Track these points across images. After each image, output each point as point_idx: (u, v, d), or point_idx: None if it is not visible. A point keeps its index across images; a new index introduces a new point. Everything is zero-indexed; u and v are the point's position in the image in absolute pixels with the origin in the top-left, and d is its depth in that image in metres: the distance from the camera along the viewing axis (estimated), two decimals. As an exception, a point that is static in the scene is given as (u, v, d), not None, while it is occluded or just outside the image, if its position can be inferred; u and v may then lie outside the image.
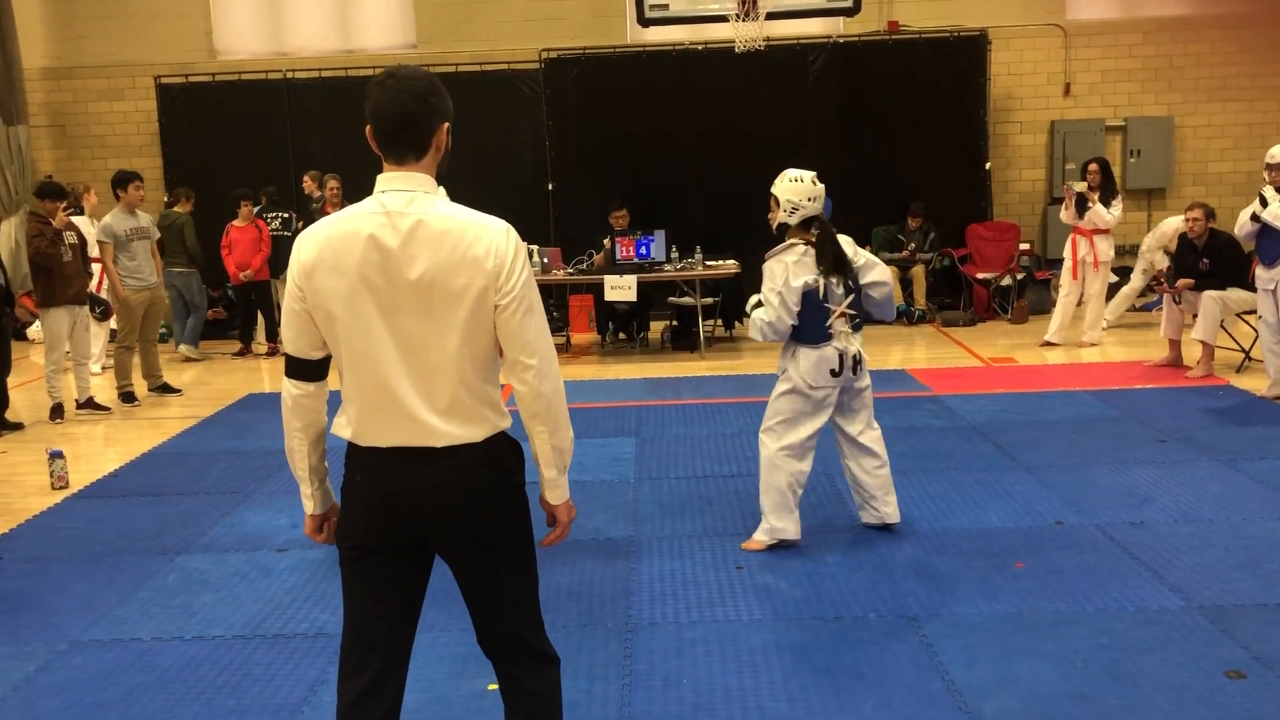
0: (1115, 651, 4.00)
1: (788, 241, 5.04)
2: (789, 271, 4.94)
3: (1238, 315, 8.77)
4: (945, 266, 12.40)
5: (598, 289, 10.63)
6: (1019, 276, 12.19)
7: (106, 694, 3.96)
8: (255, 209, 11.63)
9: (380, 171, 2.55)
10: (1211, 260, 8.67)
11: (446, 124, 2.57)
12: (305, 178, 12.07)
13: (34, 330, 11.77)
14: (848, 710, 3.65)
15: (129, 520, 5.94)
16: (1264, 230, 7.64)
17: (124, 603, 4.80)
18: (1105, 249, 10.08)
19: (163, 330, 11.46)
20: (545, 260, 10.67)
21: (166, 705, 3.87)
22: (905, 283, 12.06)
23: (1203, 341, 8.48)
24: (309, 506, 2.75)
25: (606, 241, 10.70)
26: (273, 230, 11.50)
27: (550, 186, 12.95)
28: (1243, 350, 8.81)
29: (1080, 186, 10.09)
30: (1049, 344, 10.21)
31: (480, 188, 12.66)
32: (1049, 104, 13.37)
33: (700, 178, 12.49)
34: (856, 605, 4.49)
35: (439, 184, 2.56)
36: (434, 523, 2.55)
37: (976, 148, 12.73)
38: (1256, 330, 8.21)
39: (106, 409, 8.70)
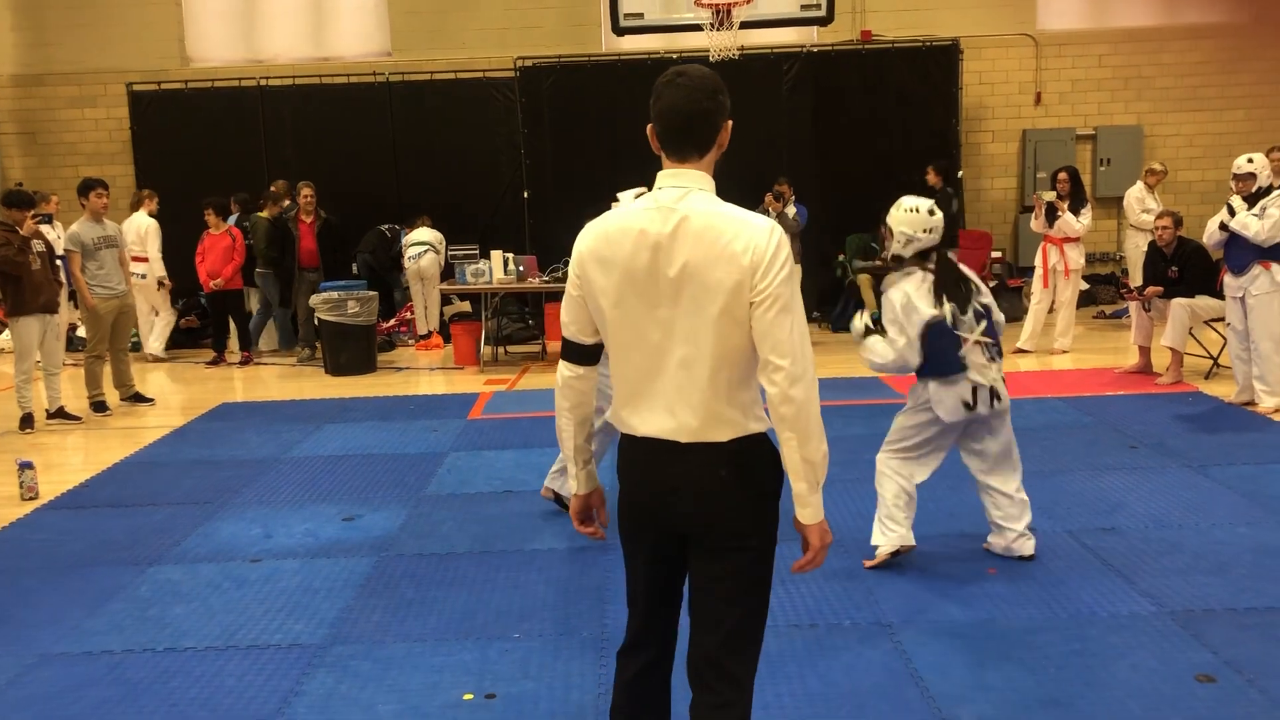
0: (1087, 657, 4.03)
1: (905, 269, 4.86)
2: (910, 300, 4.74)
3: (1206, 322, 8.86)
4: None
5: (573, 297, 10.61)
6: (991, 284, 12.27)
7: (75, 708, 3.92)
8: (231, 218, 11.57)
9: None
10: (1180, 268, 8.77)
11: (730, 122, 2.60)
12: (272, 187, 12.01)
13: (3, 339, 11.66)
14: (822, 718, 3.66)
15: (100, 531, 5.89)
16: (1232, 238, 7.72)
17: (94, 615, 4.75)
18: (1075, 257, 10.18)
19: (134, 339, 11.37)
20: (521, 268, 10.66)
21: (137, 719, 3.83)
22: (879, 292, 12.10)
23: (1172, 348, 8.57)
24: (573, 486, 2.82)
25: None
26: (248, 239, 11.44)
27: (526, 194, 12.95)
28: (1211, 357, 8.91)
29: (1049, 196, 10.19)
30: (1021, 351, 10.29)
31: (457, 194, 12.74)
32: (1020, 113, 13.51)
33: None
34: (831, 613, 4.51)
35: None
36: (680, 515, 2.58)
37: (949, 156, 12.81)
38: (1225, 337, 8.30)
39: (78, 419, 8.62)
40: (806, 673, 3.98)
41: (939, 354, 4.76)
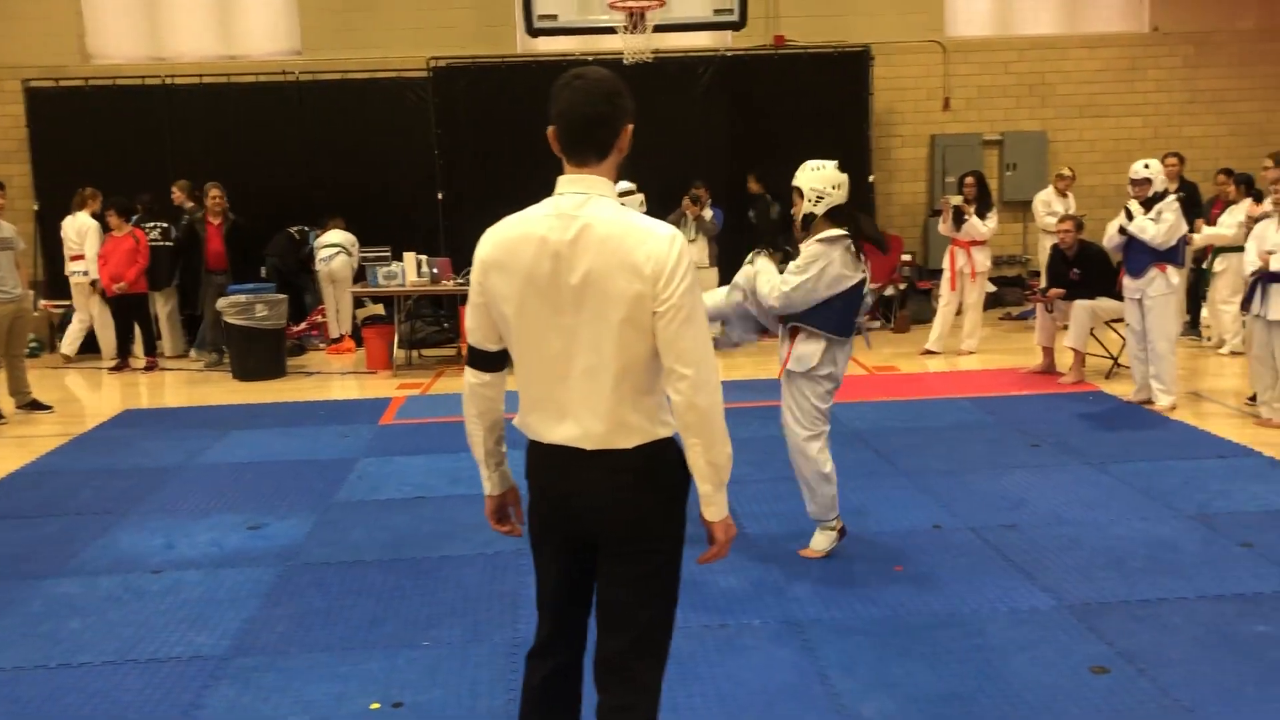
0: (988, 651, 4.12)
1: (832, 231, 4.83)
2: (835, 263, 4.79)
3: (1107, 323, 9.13)
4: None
5: (488, 300, 10.55)
6: (901, 286, 12.50)
7: (-36, 727, 3.78)
8: (133, 219, 11.27)
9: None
10: (1082, 270, 9.02)
11: (630, 125, 2.58)
12: (174, 188, 11.74)
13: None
14: (732, 717, 3.69)
15: (-8, 544, 5.69)
16: (1130, 242, 7.97)
17: (-15, 631, 4.59)
18: (982, 260, 10.42)
19: (33, 344, 11.03)
20: (435, 271, 10.56)
21: (29, 737, 3.71)
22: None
23: (1074, 349, 8.82)
24: (487, 488, 2.84)
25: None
26: (151, 241, 11.16)
27: (440, 196, 12.83)
28: (1112, 357, 9.18)
29: (956, 200, 10.41)
30: (929, 352, 10.49)
31: (369, 196, 12.56)
32: (929, 118, 13.77)
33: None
34: (742, 612, 4.54)
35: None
36: (587, 521, 2.60)
37: (860, 160, 13.00)
38: (1124, 338, 8.56)
39: (-30, 427, 8.33)
40: (717, 673, 4.00)
41: (847, 314, 4.89)
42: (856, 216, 4.97)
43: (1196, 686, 3.78)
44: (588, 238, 2.47)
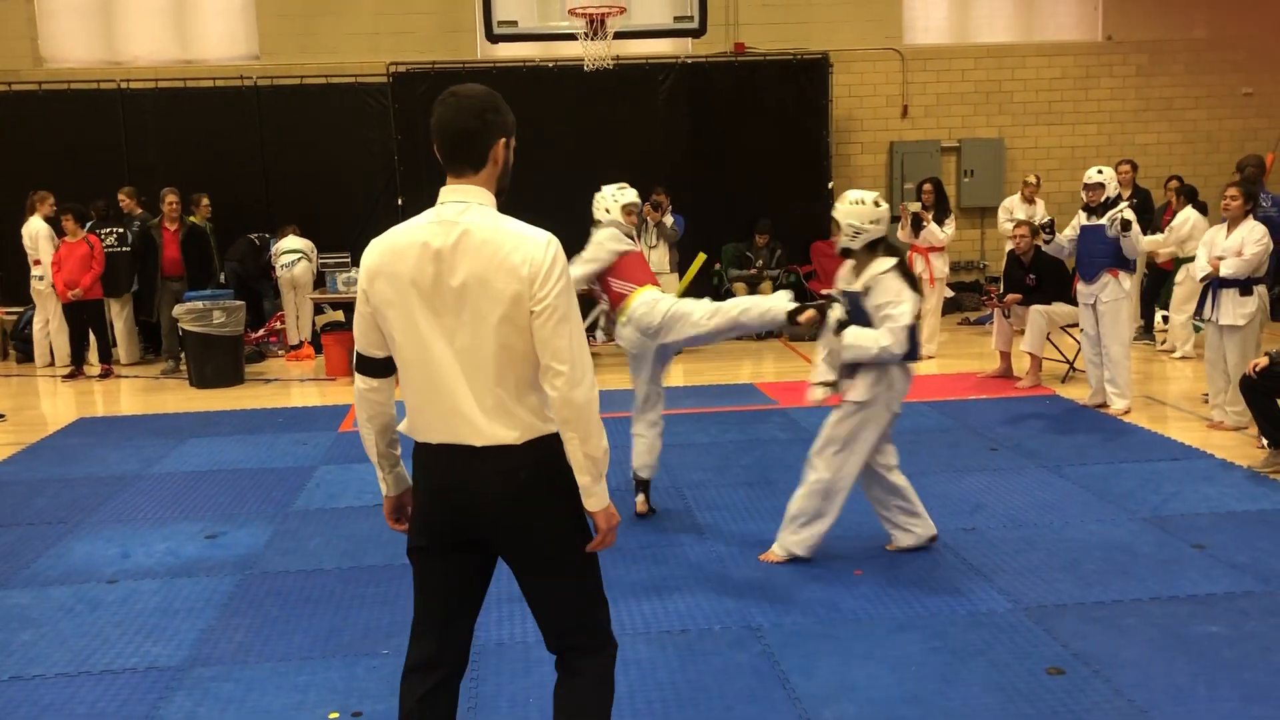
0: (947, 654, 4.16)
1: (886, 260, 4.89)
2: (905, 288, 4.82)
3: (1063, 328, 9.25)
4: (791, 283, 12.71)
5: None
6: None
7: (-88, 743, 3.71)
8: (87, 225, 11.12)
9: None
10: (1038, 276, 9.14)
11: (504, 139, 2.70)
12: (121, 194, 11.59)
13: None
14: (692, 723, 3.70)
15: (-58, 555, 5.58)
16: (1083, 248, 8.07)
17: (-66, 644, 4.50)
18: (940, 266, 10.51)
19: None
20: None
21: (-21, 751, 3.65)
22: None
23: (1031, 353, 8.93)
24: (384, 489, 2.93)
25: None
26: (108, 247, 11.02)
27: (400, 201, 12.77)
28: (1067, 361, 9.30)
29: (914, 207, 10.51)
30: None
31: (329, 201, 12.48)
32: (888, 125, 13.89)
33: (553, 194, 12.46)
34: (702, 618, 4.55)
35: (500, 196, 2.73)
36: (481, 519, 2.68)
37: (819, 167, 13.10)
38: (1079, 342, 8.67)
39: (-81, 437, 8.17)
40: (677, 678, 4.01)
41: (912, 340, 4.89)
42: (897, 249, 5.04)
43: (1150, 687, 3.84)
44: (467, 242, 2.58)
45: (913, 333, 4.87)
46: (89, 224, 11.13)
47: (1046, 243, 8.30)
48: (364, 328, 2.74)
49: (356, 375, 2.82)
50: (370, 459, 2.90)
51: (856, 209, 4.91)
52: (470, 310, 2.58)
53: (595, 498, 2.68)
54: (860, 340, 4.84)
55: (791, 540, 5.11)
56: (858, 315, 4.92)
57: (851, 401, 4.96)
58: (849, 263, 5.06)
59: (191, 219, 11.28)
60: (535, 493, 2.66)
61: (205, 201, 11.56)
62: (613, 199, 5.91)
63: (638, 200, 6.02)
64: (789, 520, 5.12)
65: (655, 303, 5.43)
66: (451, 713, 2.86)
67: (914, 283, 4.94)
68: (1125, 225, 7.67)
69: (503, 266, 2.56)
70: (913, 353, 4.93)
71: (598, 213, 5.92)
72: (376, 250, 2.67)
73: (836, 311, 4.96)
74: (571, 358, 2.58)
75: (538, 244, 2.59)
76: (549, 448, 2.67)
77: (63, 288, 10.58)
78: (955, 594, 4.73)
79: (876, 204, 4.94)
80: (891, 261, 4.91)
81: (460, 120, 2.63)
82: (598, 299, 5.88)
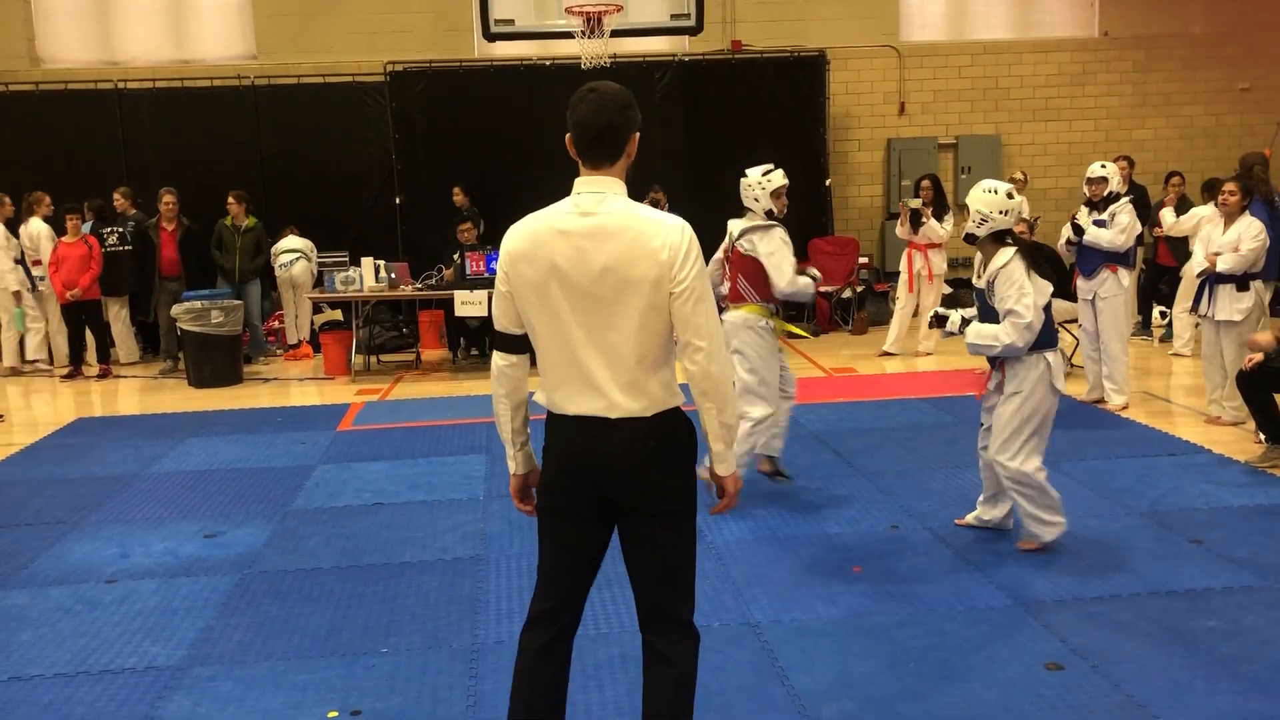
0: (946, 651, 4.16)
1: (1006, 249, 4.88)
2: (1030, 274, 4.82)
3: (1060, 324, 9.23)
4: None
5: (448, 304, 10.53)
6: (858, 289, 12.60)
7: (-89, 743, 3.71)
8: (86, 225, 11.12)
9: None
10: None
11: (636, 133, 2.86)
12: (116, 194, 11.58)
13: None
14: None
15: (-59, 556, 5.58)
16: (1082, 244, 8.07)
17: (-67, 644, 4.50)
18: (939, 262, 10.52)
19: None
20: (393, 275, 10.50)
21: (-21, 752, 3.65)
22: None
23: (1029, 349, 8.91)
24: (512, 467, 3.08)
25: (456, 256, 10.61)
26: (109, 247, 11.01)
27: (398, 200, 12.76)
28: (1065, 357, 9.29)
29: (915, 203, 10.51)
30: (887, 354, 10.58)
31: (325, 201, 12.47)
32: (885, 122, 13.89)
33: (550, 192, 12.41)
34: (700, 614, 4.47)
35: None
36: (611, 481, 2.85)
37: (817, 164, 13.10)
38: (1077, 338, 8.67)
39: (-83, 437, 8.17)
40: (676, 676, 4.00)
41: (1049, 325, 4.88)
42: (1027, 243, 5.05)
43: (1148, 682, 3.84)
44: (606, 229, 2.76)
45: (1047, 319, 4.86)
46: (87, 224, 11.13)
47: (1074, 244, 8.17)
48: (503, 307, 2.92)
49: (495, 353, 2.98)
50: (501, 436, 3.04)
51: (987, 197, 4.91)
52: (611, 293, 2.75)
53: (726, 463, 2.93)
54: (981, 339, 4.90)
55: (1043, 530, 5.11)
56: (985, 311, 4.97)
57: (1012, 393, 4.95)
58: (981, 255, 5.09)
59: (248, 221, 11.31)
60: (659, 460, 2.85)
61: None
62: (760, 186, 5.76)
63: (786, 182, 5.86)
64: (1028, 519, 5.12)
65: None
66: (565, 664, 3.06)
67: (1041, 269, 4.91)
68: (1069, 243, 8.06)
69: (643, 251, 2.73)
70: (1048, 339, 4.92)
71: (746, 200, 5.79)
72: (517, 234, 2.86)
73: (954, 321, 5.12)
74: (709, 334, 2.78)
75: (675, 229, 2.76)
76: (673, 419, 2.87)
77: (61, 288, 10.58)
78: (953, 590, 4.73)
79: (1010, 195, 4.93)
80: (1010, 252, 4.89)
81: (604, 115, 2.79)
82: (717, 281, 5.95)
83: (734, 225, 5.95)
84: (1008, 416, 4.98)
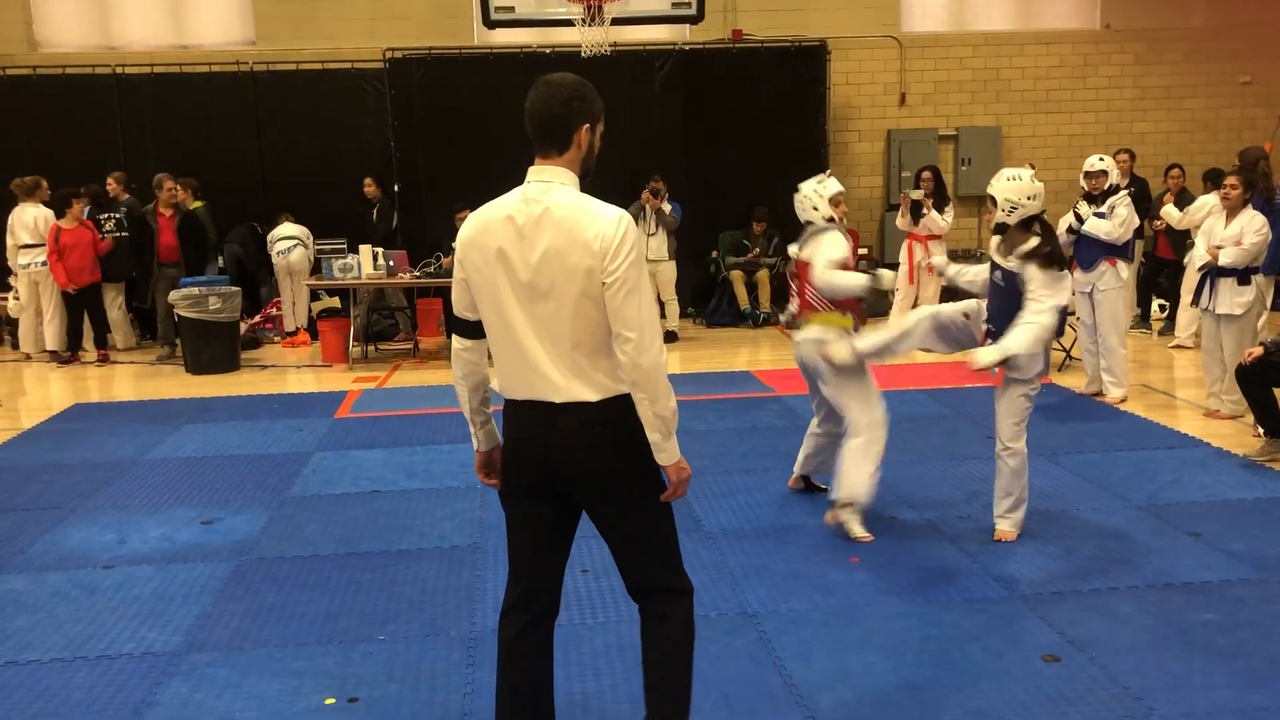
0: (943, 641, 4.16)
1: (1033, 240, 4.87)
2: (1051, 273, 4.85)
3: (1059, 316, 9.22)
4: (790, 271, 12.70)
5: (446, 292, 10.49)
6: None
7: (-92, 727, 3.71)
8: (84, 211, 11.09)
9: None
10: (1035, 264, 9.11)
11: (587, 125, 2.91)
12: (110, 179, 11.53)
13: None
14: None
15: (-63, 541, 5.57)
16: (1080, 236, 8.07)
17: (-71, 629, 4.49)
18: (939, 254, 10.49)
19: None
20: (391, 263, 10.48)
21: (-25, 736, 3.65)
22: (751, 286, 12.31)
23: (1027, 342, 8.90)
24: (475, 444, 3.17)
25: (454, 244, 10.58)
26: (106, 233, 10.98)
27: (396, 188, 12.73)
28: (1064, 350, 9.29)
29: (916, 194, 10.48)
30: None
31: (325, 188, 12.43)
32: (885, 113, 13.86)
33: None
34: (698, 604, 4.48)
35: (584, 178, 2.94)
36: (559, 471, 2.91)
37: (817, 155, 13.06)
38: (1076, 331, 8.67)
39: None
40: (673, 665, 4.00)
41: (1060, 319, 4.94)
42: (1048, 225, 5.02)
43: (1145, 674, 3.85)
44: (547, 219, 2.80)
45: (1061, 313, 4.92)
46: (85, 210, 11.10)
47: (1074, 233, 8.15)
48: (459, 293, 2.99)
49: (454, 336, 3.08)
50: (464, 415, 3.12)
51: (1014, 185, 4.91)
52: (548, 281, 2.79)
53: (665, 453, 2.90)
54: (1030, 349, 4.85)
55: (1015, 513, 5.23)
56: (1010, 293, 4.93)
57: (1015, 379, 5.05)
58: (996, 237, 5.11)
59: (192, 204, 11.25)
60: (609, 446, 2.88)
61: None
62: (817, 194, 5.51)
63: (841, 187, 5.64)
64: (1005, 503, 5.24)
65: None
66: (545, 651, 3.10)
67: (1062, 262, 4.93)
68: (1070, 230, 8.03)
69: (578, 241, 2.77)
70: (1060, 328, 5.01)
71: (804, 213, 5.54)
72: (471, 223, 2.93)
73: (1003, 350, 4.85)
74: (640, 325, 2.78)
75: (609, 220, 2.79)
76: (623, 406, 2.87)
77: (66, 277, 10.53)
78: (951, 581, 4.73)
79: (1034, 180, 4.94)
80: (1036, 241, 4.88)
81: (548, 106, 2.87)
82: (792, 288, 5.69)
83: (794, 247, 5.70)
84: (1012, 404, 5.10)
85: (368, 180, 11.86)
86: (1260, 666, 3.89)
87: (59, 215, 10.72)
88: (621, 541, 3.03)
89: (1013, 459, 5.16)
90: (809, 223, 5.57)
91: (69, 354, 10.81)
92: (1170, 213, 10.19)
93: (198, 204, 11.45)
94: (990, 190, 5.02)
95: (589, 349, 2.84)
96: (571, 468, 2.90)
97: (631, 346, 2.78)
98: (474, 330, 3.01)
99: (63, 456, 7.18)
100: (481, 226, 2.90)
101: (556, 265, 2.78)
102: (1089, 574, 4.78)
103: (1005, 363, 4.90)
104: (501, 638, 3.07)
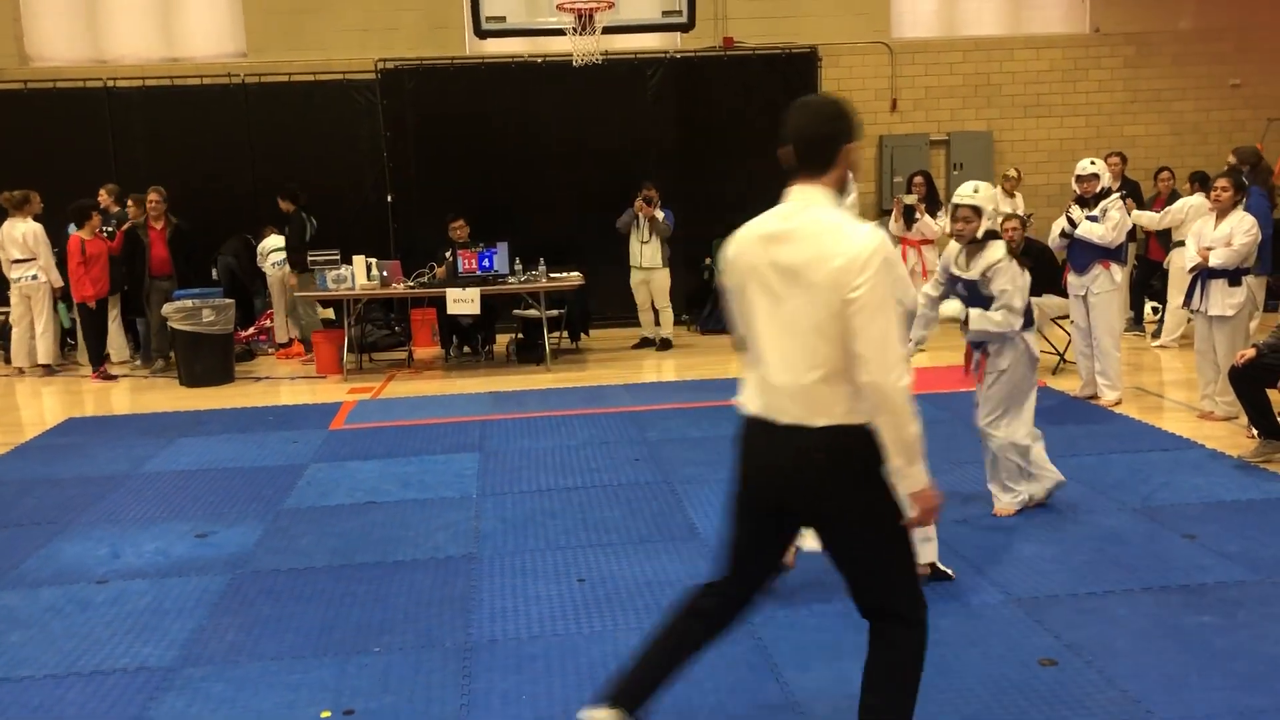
0: (940, 646, 4.14)
1: (998, 243, 5.34)
2: (1018, 275, 5.31)
3: (1053, 320, 9.25)
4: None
5: (440, 302, 10.50)
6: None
7: (-99, 746, 3.69)
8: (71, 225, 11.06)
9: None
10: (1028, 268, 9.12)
11: (849, 145, 2.92)
12: (102, 191, 11.51)
13: None
14: (685, 717, 3.69)
15: (-70, 557, 5.55)
16: (1074, 240, 8.08)
17: (-78, 646, 4.47)
18: (932, 259, 10.51)
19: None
20: (385, 274, 10.47)
21: (-31, 754, 3.63)
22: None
23: (1021, 345, 8.92)
24: None
25: (448, 254, 10.59)
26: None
27: (389, 198, 12.73)
28: (1058, 353, 9.31)
29: (909, 199, 10.51)
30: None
31: (318, 199, 12.42)
32: (877, 119, 13.87)
33: (542, 190, 12.48)
34: None
35: (842, 195, 2.98)
36: (775, 493, 2.97)
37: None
38: (1070, 334, 8.68)
39: (-93, 438, 8.13)
40: (670, 674, 3.99)
41: (1027, 309, 5.41)
42: (999, 234, 5.48)
43: (1142, 677, 3.84)
44: (798, 235, 2.85)
45: (1028, 307, 5.40)
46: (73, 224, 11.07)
47: (1067, 236, 8.16)
48: (730, 310, 3.11)
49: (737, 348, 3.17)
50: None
51: (988, 193, 5.33)
52: (793, 298, 2.84)
53: (909, 479, 2.86)
54: (984, 325, 5.35)
55: (1007, 496, 5.65)
56: (975, 299, 5.39)
57: (998, 371, 5.48)
58: (954, 248, 5.49)
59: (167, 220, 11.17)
60: (827, 473, 2.86)
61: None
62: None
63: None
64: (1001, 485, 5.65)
65: None
66: (707, 629, 3.14)
67: (1022, 262, 5.41)
68: (1063, 234, 8.11)
69: (824, 258, 2.78)
70: (1027, 321, 5.43)
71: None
72: (732, 240, 3.03)
73: (949, 310, 5.49)
74: (881, 347, 2.74)
75: (860, 240, 2.77)
76: (848, 435, 2.84)
77: (94, 290, 10.52)
78: (947, 586, 4.72)
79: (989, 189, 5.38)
80: (1003, 246, 5.36)
81: (814, 127, 2.90)
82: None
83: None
84: (995, 393, 5.50)
85: (279, 196, 11.62)
86: (1257, 668, 3.88)
87: (78, 227, 10.65)
88: (846, 566, 3.01)
89: (997, 445, 5.56)
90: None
91: (102, 368, 10.70)
92: (1141, 216, 10.18)
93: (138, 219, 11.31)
94: (971, 203, 5.28)
95: (825, 371, 2.82)
96: (791, 492, 2.92)
97: (874, 367, 2.75)
98: (745, 344, 3.12)
99: (56, 471, 7.16)
100: (739, 244, 2.99)
101: (805, 281, 2.81)
102: (1085, 577, 4.77)
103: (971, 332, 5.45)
104: (682, 600, 3.15)
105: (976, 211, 5.29)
